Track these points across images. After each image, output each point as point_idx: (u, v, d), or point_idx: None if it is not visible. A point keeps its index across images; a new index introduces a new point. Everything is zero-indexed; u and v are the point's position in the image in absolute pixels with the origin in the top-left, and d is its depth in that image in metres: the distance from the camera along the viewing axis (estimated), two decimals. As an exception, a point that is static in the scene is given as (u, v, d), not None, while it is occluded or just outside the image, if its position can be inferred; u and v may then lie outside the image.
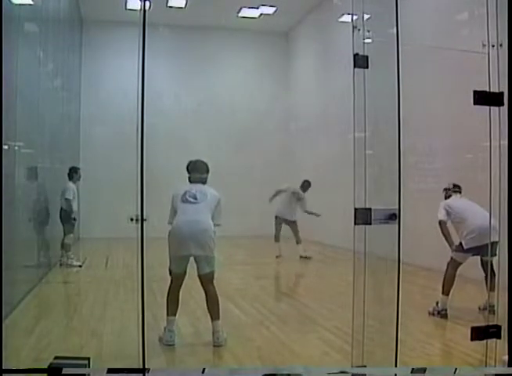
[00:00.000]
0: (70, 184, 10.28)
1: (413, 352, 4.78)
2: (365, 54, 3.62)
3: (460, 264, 6.44)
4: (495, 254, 5.43)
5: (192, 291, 6.06)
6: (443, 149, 9.06)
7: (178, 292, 5.37)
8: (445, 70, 8.75)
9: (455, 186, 7.00)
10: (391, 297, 3.62)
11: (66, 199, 10.09)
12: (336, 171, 10.40)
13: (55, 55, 10.65)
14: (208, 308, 5.32)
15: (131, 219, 3.67)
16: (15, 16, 6.62)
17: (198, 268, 5.29)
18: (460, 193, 6.93)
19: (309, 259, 11.35)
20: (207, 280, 5.31)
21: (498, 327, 4.17)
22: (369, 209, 3.56)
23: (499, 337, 4.14)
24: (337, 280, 8.74)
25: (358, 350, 3.80)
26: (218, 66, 16.81)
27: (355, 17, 3.85)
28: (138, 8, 3.86)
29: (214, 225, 5.38)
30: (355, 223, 3.61)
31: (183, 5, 14.42)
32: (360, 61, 3.60)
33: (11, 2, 6.21)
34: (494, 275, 5.37)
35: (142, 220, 3.59)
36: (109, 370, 3.57)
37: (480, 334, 4.13)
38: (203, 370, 3.55)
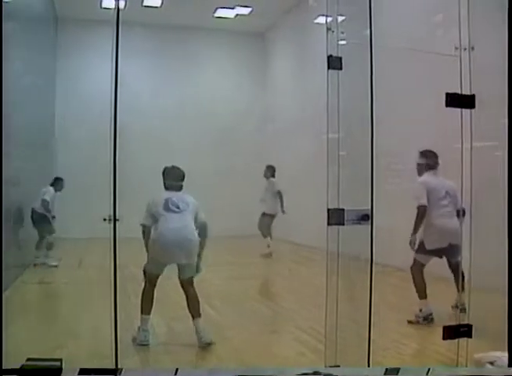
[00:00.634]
0: (51, 188, 10.33)
1: (387, 352, 4.82)
2: (339, 55, 3.65)
3: (424, 265, 6.03)
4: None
5: (168, 290, 6.03)
6: (416, 150, 9.13)
7: (153, 292, 5.38)
8: (419, 72, 8.83)
9: (429, 155, 6.17)
10: (365, 297, 3.65)
11: (43, 199, 10.05)
12: (311, 171, 10.44)
13: (28, 53, 10.52)
14: (189, 307, 5.34)
15: (104, 219, 3.65)
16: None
17: (180, 273, 5.36)
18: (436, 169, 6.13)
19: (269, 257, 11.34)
20: (187, 283, 5.38)
21: (469, 326, 4.24)
22: (343, 210, 3.59)
23: (470, 336, 4.21)
24: (312, 281, 8.74)
25: (332, 350, 3.82)
26: (194, 66, 16.76)
27: (329, 19, 3.88)
28: (113, 6, 3.84)
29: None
30: (329, 224, 3.63)
31: (159, 5, 14.35)
32: (334, 62, 3.62)
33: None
34: (463, 277, 5.30)
35: (115, 220, 3.57)
36: (82, 371, 3.54)
37: (451, 333, 4.19)
38: (176, 370, 3.54)
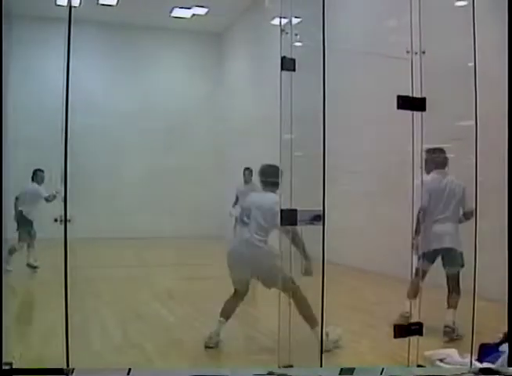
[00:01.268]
0: (36, 186, 9.82)
1: (341, 351, 4.87)
2: (293, 57, 3.67)
3: (425, 272, 5.45)
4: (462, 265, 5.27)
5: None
6: (369, 151, 9.29)
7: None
8: (372, 75, 8.96)
9: (435, 152, 5.53)
10: (318, 297, 3.68)
11: (45, 197, 9.29)
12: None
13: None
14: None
15: (55, 220, 3.58)
16: None
17: None
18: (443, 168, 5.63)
19: None
20: None
21: (420, 325, 4.31)
22: (295, 210, 3.61)
23: (420, 334, 4.28)
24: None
25: (285, 350, 3.84)
26: (150, 65, 16.69)
27: (284, 21, 3.90)
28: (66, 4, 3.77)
29: None
30: (281, 224, 3.66)
31: (115, 3, 14.20)
32: (287, 64, 3.64)
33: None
34: (459, 292, 5.28)
35: (66, 221, 3.50)
36: (31, 371, 3.48)
37: (402, 331, 4.25)
38: (129, 370, 3.50)
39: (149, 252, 12.91)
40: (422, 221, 5.37)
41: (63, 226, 3.64)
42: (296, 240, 4.39)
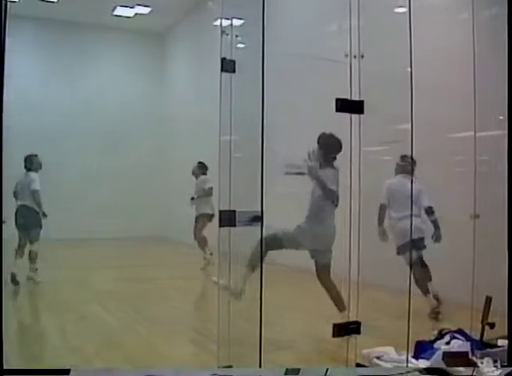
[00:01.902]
0: (33, 174, 8.36)
1: (282, 351, 4.91)
2: (233, 58, 3.69)
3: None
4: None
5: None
6: (307, 153, 9.36)
7: None
8: (311, 78, 9.06)
9: (404, 159, 6.37)
10: (255, 296, 3.70)
11: (34, 190, 8.19)
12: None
13: None
14: None
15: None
16: None
17: None
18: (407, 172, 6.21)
19: None
20: None
21: (358, 323, 4.40)
22: (234, 211, 3.63)
23: (358, 332, 4.37)
24: (208, 282, 8.73)
25: (225, 350, 3.85)
26: (90, 64, 16.40)
27: (225, 22, 3.91)
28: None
29: None
30: (220, 225, 3.66)
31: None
32: (227, 65, 3.66)
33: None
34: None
35: (1, 222, 3.41)
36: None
37: (341, 330, 4.33)
38: (69, 371, 3.43)
39: (92, 253, 12.67)
40: (382, 215, 6.55)
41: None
42: None
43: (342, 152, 4.81)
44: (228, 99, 3.65)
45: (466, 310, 4.93)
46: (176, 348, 5.18)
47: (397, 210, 6.28)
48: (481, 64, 5.08)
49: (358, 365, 4.31)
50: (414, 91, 4.28)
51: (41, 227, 8.50)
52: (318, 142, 5.46)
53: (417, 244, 6.17)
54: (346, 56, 4.15)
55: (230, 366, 3.84)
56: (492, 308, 4.48)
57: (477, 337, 4.49)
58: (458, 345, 4.35)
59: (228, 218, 3.58)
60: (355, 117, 4.12)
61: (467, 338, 4.47)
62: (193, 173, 10.62)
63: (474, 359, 4.01)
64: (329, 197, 5.24)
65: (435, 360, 4.12)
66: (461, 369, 3.92)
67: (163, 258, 11.62)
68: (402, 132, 4.55)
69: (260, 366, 3.74)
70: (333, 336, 4.33)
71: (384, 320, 5.71)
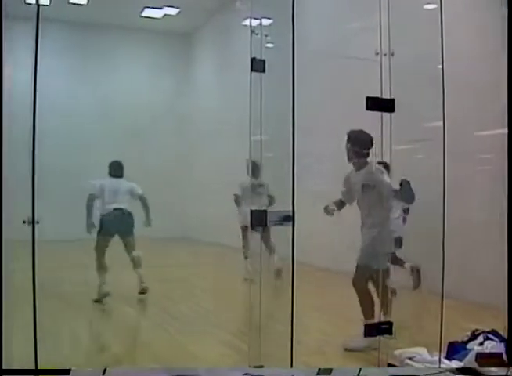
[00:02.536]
0: (123, 179, 8.37)
1: (311, 351, 4.89)
2: (263, 58, 3.69)
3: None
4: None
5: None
6: (337, 152, 9.32)
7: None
8: (341, 77, 9.01)
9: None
10: (288, 297, 3.69)
11: (141, 195, 8.27)
12: (234, 173, 10.50)
13: None
14: None
15: (24, 222, 3.53)
16: None
17: None
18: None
19: None
20: None
21: (390, 324, 4.36)
22: (265, 211, 3.62)
23: (390, 333, 4.33)
24: (237, 282, 8.73)
25: (256, 350, 3.85)
26: (118, 65, 16.55)
27: (254, 22, 3.91)
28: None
29: None
30: (251, 225, 3.66)
31: (85, 2, 14.04)
32: (257, 65, 3.66)
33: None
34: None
35: (34, 222, 3.46)
36: (4, 372, 3.44)
37: (372, 330, 4.30)
38: (104, 370, 3.48)
39: (117, 253, 12.76)
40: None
41: (30, 228, 3.60)
42: None
43: (373, 151, 4.75)
44: (258, 98, 3.64)
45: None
46: (206, 349, 5.20)
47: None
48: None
49: (390, 365, 4.27)
50: (446, 88, 4.22)
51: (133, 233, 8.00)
52: (348, 139, 5.14)
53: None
54: (376, 53, 4.11)
55: (261, 366, 3.84)
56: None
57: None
58: (491, 345, 4.29)
59: (259, 218, 3.58)
60: (385, 115, 4.08)
61: (501, 338, 4.40)
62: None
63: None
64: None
65: (468, 361, 4.08)
66: (494, 369, 3.87)
67: (192, 258, 11.65)
68: (433, 130, 4.50)
69: (291, 366, 3.74)
70: (365, 336, 4.31)
71: (413, 321, 5.65)
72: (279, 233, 3.79)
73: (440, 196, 4.24)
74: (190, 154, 16.58)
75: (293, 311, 3.65)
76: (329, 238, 8.76)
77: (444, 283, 4.14)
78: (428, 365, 4.16)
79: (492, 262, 5.09)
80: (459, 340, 4.52)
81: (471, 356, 4.08)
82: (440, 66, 4.27)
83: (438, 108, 4.24)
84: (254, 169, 8.58)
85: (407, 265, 7.00)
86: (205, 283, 8.89)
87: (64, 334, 5.49)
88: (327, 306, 6.66)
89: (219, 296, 7.76)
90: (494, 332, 4.51)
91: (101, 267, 7.24)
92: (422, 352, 4.48)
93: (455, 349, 4.36)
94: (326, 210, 5.22)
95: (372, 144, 4.92)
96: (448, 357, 4.28)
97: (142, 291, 7.25)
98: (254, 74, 3.66)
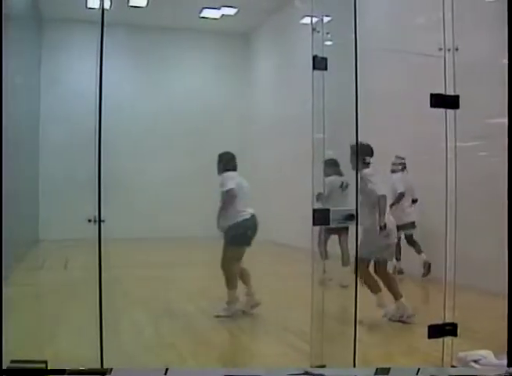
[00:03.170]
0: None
1: (372, 351, 4.83)
2: (325, 56, 3.65)
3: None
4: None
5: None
6: (400, 150, 9.20)
7: None
8: (403, 73, 8.87)
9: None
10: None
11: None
12: (295, 172, 10.47)
13: (13, 53, 10.44)
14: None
15: (89, 220, 3.62)
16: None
17: None
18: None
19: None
20: None
21: (454, 325, 4.26)
22: (328, 210, 3.60)
23: (455, 334, 4.23)
24: (297, 281, 8.68)
25: (317, 350, 3.83)
26: (178, 66, 16.77)
27: (315, 19, 3.88)
28: (98, 6, 3.81)
29: None
30: (314, 224, 3.64)
31: (144, 5, 14.30)
32: (319, 63, 3.63)
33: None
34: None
35: (100, 221, 3.55)
36: (69, 372, 3.51)
37: (437, 332, 4.21)
38: (166, 370, 3.52)
39: (178, 252, 12.99)
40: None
41: (95, 227, 3.69)
42: None
43: (438, 147, 4.64)
44: (320, 96, 3.61)
45: None
46: (267, 347, 5.21)
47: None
48: None
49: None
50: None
51: None
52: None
53: None
54: (440, 49, 4.02)
55: (323, 366, 3.82)
56: None
57: None
58: None
59: (322, 217, 3.56)
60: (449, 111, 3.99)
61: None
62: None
63: None
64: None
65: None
66: (494, 369, 3.73)
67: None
68: (498, 127, 4.36)
69: (354, 366, 3.71)
70: (429, 337, 4.23)
71: (477, 322, 5.50)
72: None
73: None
74: (252, 154, 16.62)
75: (356, 310, 3.61)
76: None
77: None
78: (496, 369, 4.04)
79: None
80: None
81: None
82: (505, 61, 4.14)
83: (503, 104, 4.10)
84: (334, 167, 8.05)
85: (423, 255, 8.38)
86: (268, 282, 8.88)
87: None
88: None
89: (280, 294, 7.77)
90: None
91: (235, 283, 6.41)
92: (487, 354, 4.36)
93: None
94: None
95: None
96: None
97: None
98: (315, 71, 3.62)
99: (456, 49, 4.02)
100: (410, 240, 8.66)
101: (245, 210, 6.61)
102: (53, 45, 15.34)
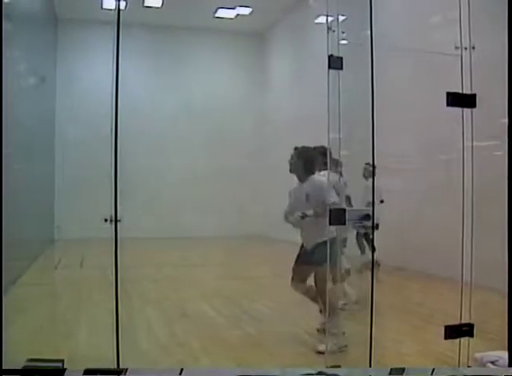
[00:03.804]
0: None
1: (386, 351, 4.81)
2: (340, 55, 3.64)
3: None
4: None
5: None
6: (417, 150, 9.16)
7: None
8: (419, 72, 8.83)
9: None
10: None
11: None
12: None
13: (29, 54, 10.52)
14: None
15: (106, 220, 3.64)
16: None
17: None
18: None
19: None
20: None
21: (471, 326, 4.23)
22: (344, 210, 3.59)
23: (471, 335, 4.20)
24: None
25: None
26: (193, 66, 16.82)
27: (330, 19, 3.86)
28: (114, 7, 3.82)
29: None
30: (330, 224, 3.63)
31: (159, 5, 14.36)
32: (335, 62, 3.61)
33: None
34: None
35: (116, 221, 3.56)
36: (86, 372, 3.53)
37: (453, 332, 4.18)
38: (181, 370, 3.53)
39: (195, 251, 13.04)
40: None
41: (111, 226, 3.70)
42: None
43: (454, 147, 4.60)
44: (336, 96, 3.60)
45: None
46: (282, 347, 5.20)
47: None
48: None
49: (470, 368, 4.14)
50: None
51: None
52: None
53: None
54: (456, 47, 3.99)
55: (338, 366, 3.81)
56: None
57: None
58: None
59: (338, 217, 3.55)
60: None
61: None
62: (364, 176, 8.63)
63: None
64: None
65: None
66: (494, 369, 3.69)
67: (265, 256, 11.71)
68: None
69: (370, 366, 3.69)
70: (445, 338, 4.19)
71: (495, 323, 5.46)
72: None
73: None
74: (267, 152, 16.65)
75: (372, 311, 3.59)
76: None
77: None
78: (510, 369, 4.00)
79: None
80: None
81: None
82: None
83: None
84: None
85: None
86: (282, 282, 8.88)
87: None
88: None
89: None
90: None
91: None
92: (504, 355, 4.32)
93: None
94: None
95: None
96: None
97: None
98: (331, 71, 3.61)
99: (473, 48, 3.99)
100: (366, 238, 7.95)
101: None
102: (69, 45, 15.45)
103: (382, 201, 8.08)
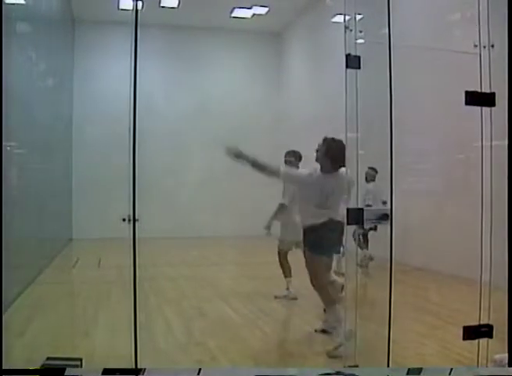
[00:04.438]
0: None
1: (406, 352, 4.79)
2: (358, 54, 3.63)
3: None
4: None
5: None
6: (435, 149, 9.10)
7: None
8: (437, 71, 8.77)
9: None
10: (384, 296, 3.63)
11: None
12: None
13: (47, 55, 10.61)
14: None
15: (124, 220, 3.66)
16: (7, 16, 6.59)
17: None
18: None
19: None
20: None
21: (490, 327, 4.19)
22: (361, 209, 3.57)
23: (490, 336, 4.16)
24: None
25: (351, 350, 3.81)
26: (209, 66, 16.83)
27: (347, 17, 3.85)
28: (131, 8, 3.84)
29: None
30: (348, 223, 3.61)
31: (176, 5, 14.41)
32: (352, 61, 3.60)
33: (3, 2, 6.17)
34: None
35: (134, 220, 3.58)
36: (105, 371, 3.55)
37: (472, 333, 4.14)
38: (199, 370, 3.54)
39: (212, 251, 13.07)
40: None
41: (129, 226, 3.72)
42: None
43: (470, 145, 4.57)
44: (354, 95, 3.58)
45: None
46: (301, 347, 5.19)
47: None
48: None
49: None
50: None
51: None
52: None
53: None
54: (475, 46, 3.96)
55: (356, 366, 3.80)
56: None
57: None
58: None
59: (355, 217, 3.54)
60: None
61: None
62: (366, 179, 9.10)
63: None
64: None
65: None
66: (494, 369, 3.65)
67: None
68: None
69: (388, 366, 3.68)
70: (464, 339, 4.16)
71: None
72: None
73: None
74: (284, 152, 16.61)
75: (390, 310, 3.58)
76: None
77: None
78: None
79: None
80: None
81: None
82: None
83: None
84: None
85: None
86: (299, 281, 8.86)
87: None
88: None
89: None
90: None
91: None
92: (524, 357, 4.27)
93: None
94: None
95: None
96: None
97: None
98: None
99: (492, 46, 3.95)
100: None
101: None
102: (86, 46, 15.54)
103: (385, 203, 8.03)
